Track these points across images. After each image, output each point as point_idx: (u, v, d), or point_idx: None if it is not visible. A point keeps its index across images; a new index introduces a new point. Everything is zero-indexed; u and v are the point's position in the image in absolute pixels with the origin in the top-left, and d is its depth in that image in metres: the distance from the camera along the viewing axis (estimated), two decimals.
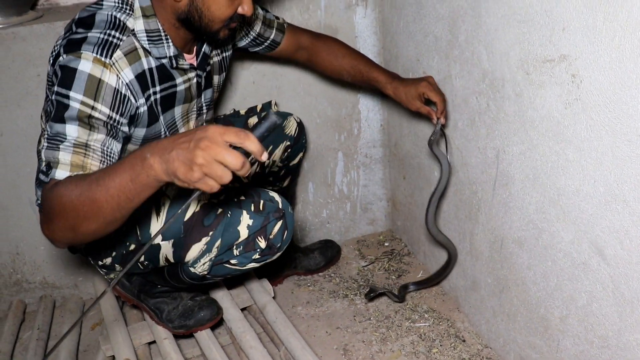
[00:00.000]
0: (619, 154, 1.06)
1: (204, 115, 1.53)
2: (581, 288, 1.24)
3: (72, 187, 1.06)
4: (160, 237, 1.35)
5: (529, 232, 1.38)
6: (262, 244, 1.37)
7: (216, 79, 1.54)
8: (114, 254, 1.41)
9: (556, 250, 1.29)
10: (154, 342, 1.64)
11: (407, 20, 1.75)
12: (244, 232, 1.35)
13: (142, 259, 1.41)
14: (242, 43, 1.62)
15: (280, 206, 1.40)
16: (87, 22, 1.24)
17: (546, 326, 1.39)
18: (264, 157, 0.94)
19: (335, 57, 1.69)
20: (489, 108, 1.43)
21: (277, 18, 1.66)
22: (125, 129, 1.24)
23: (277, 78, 1.90)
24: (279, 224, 1.38)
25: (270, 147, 1.69)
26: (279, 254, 1.42)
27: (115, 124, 1.20)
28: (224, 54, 1.55)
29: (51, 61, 1.23)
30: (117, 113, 1.21)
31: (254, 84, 1.89)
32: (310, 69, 1.86)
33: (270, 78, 1.90)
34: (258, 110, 1.74)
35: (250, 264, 1.40)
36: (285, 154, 1.72)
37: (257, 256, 1.38)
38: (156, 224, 1.35)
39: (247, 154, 0.94)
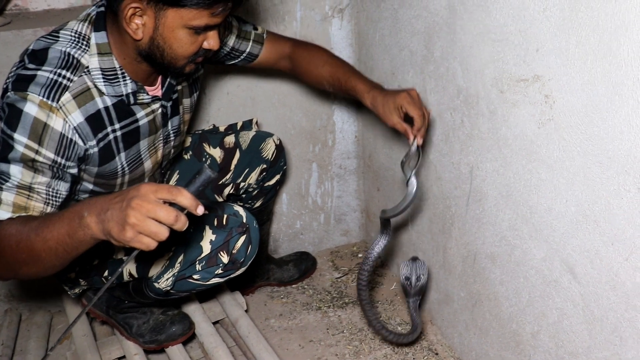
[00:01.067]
0: (590, 175, 1.08)
1: (172, 142, 1.48)
2: (552, 305, 1.25)
3: (13, 231, 1.08)
4: (122, 252, 1.33)
5: (502, 248, 1.39)
6: (225, 259, 1.35)
7: (187, 101, 1.49)
8: (77, 268, 1.38)
9: (528, 267, 1.31)
10: (124, 357, 1.61)
11: (382, 34, 1.75)
12: (206, 248, 1.33)
13: (105, 273, 1.38)
14: (216, 57, 1.56)
15: (244, 220, 1.38)
16: (39, 56, 1.19)
17: (518, 341, 1.40)
18: (199, 210, 0.96)
19: (316, 66, 1.58)
20: (463, 124, 1.44)
21: (256, 29, 1.59)
22: (73, 170, 1.22)
23: (251, 89, 1.89)
24: (243, 238, 1.36)
25: (247, 170, 1.66)
26: (243, 268, 1.40)
27: (61, 167, 1.18)
28: (194, 76, 1.50)
29: (1, 93, 1.19)
30: (62, 157, 1.18)
31: (228, 94, 1.87)
32: (294, 79, 1.81)
33: (245, 89, 1.88)
34: (238, 128, 1.72)
35: (213, 279, 1.38)
36: (261, 176, 1.69)
37: (220, 271, 1.37)
38: None
39: (182, 208, 0.95)
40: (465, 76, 1.39)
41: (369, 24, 1.82)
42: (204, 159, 1.65)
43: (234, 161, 1.66)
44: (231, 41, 1.54)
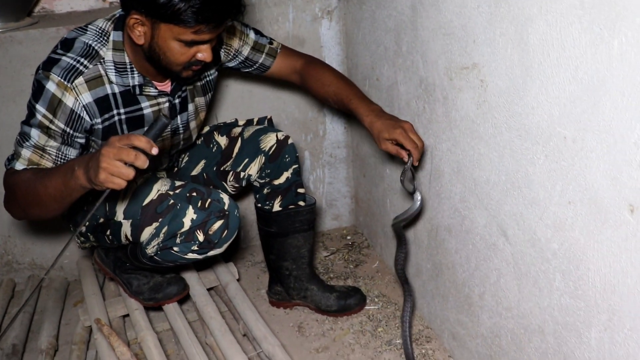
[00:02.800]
0: (514, 147, 1.25)
1: (181, 135, 1.70)
2: (492, 266, 1.42)
3: (25, 178, 1.39)
4: (122, 215, 1.55)
5: (455, 219, 1.56)
6: (200, 237, 1.53)
7: (201, 100, 1.70)
8: (87, 224, 1.61)
9: (474, 235, 1.48)
10: (128, 315, 1.82)
11: (364, 32, 1.95)
12: (186, 224, 1.52)
13: (108, 233, 1.60)
14: (232, 64, 1.74)
15: (225, 207, 1.55)
16: (68, 44, 1.46)
17: (470, 304, 1.57)
18: (154, 151, 1.21)
19: (322, 85, 1.71)
20: (425, 110, 1.62)
21: (271, 43, 1.75)
22: (81, 140, 1.48)
23: (249, 82, 2.10)
24: (220, 222, 1.54)
25: (246, 160, 1.76)
26: (217, 249, 1.58)
27: (70, 136, 1.45)
28: (208, 78, 1.71)
29: (36, 70, 1.47)
30: (71, 128, 1.44)
31: (227, 87, 2.09)
32: (305, 93, 1.98)
33: (243, 82, 2.09)
34: (254, 123, 1.87)
35: (190, 254, 1.57)
36: (263, 169, 1.75)
37: (195, 247, 1.55)
38: (121, 204, 1.55)
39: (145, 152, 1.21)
40: (425, 67, 1.58)
41: (354, 24, 2.02)
42: (211, 145, 1.83)
43: (236, 149, 1.79)
44: (246, 51, 1.72)
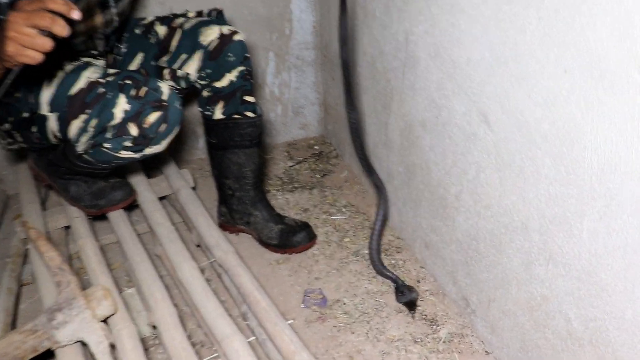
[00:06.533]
0: (501, 16, 1.07)
1: (113, 9, 1.45)
2: (471, 160, 1.27)
3: None
4: (48, 107, 1.35)
5: (431, 112, 1.39)
6: (134, 131, 1.32)
7: None
8: (11, 119, 1.40)
9: (452, 125, 1.32)
10: (70, 227, 1.64)
11: None
12: (118, 116, 1.30)
13: (34, 130, 1.40)
14: None
15: (163, 97, 1.33)
16: None
17: (444, 205, 1.42)
18: (75, 14, 0.99)
19: None
20: None
21: None
22: None
23: None
24: (156, 114, 1.32)
25: (185, 56, 1.53)
26: (155, 146, 1.37)
27: None
28: None
29: None
30: None
31: None
32: None
33: None
34: (204, 15, 1.63)
35: (124, 152, 1.36)
36: (203, 69, 1.52)
37: (129, 144, 1.34)
38: (46, 94, 1.34)
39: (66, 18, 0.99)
40: None
41: None
42: (150, 35, 1.62)
43: (174, 42, 1.55)
44: None
